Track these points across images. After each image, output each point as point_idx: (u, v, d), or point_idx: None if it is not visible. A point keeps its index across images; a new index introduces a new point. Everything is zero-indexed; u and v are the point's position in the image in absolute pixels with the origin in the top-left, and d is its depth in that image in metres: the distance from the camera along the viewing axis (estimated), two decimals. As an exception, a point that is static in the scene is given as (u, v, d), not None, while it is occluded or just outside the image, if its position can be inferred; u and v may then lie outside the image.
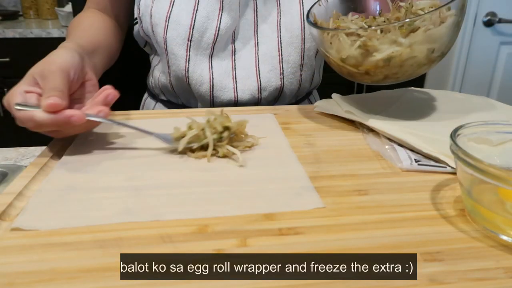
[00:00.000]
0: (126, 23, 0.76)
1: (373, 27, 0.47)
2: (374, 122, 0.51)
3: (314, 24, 0.51)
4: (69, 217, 0.34)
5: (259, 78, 0.66)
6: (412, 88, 0.65)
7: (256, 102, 0.68)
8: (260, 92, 0.67)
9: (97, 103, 0.46)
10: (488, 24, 1.83)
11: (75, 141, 0.49)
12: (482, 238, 0.31)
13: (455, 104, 0.57)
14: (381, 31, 0.45)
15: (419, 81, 1.91)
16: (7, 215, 0.34)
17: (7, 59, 1.65)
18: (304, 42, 0.66)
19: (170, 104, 0.73)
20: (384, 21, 0.52)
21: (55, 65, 0.45)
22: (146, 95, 0.80)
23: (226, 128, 0.45)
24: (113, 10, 0.72)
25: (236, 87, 0.66)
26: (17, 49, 1.65)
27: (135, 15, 0.69)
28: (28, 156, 0.52)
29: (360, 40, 0.46)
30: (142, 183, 0.39)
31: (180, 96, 0.71)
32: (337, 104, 0.58)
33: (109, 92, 0.47)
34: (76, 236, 0.31)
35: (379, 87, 0.70)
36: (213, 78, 0.65)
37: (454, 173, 0.41)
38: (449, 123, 0.46)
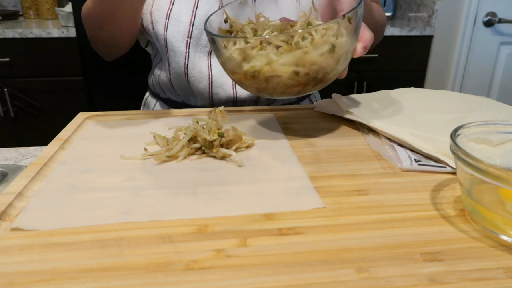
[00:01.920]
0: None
1: (248, 37, 0.44)
2: (374, 122, 0.51)
3: (207, 29, 0.47)
4: (69, 217, 0.34)
5: None
6: (412, 88, 0.65)
7: (255, 99, 0.68)
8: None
9: None
10: (488, 24, 1.84)
11: (75, 141, 0.49)
12: (482, 238, 0.31)
13: (455, 104, 0.57)
14: (261, 43, 0.42)
15: (419, 81, 1.92)
16: (7, 215, 0.34)
17: (7, 59, 1.65)
18: None
19: (170, 102, 0.74)
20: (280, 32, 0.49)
21: None
22: (147, 94, 0.80)
23: (220, 135, 0.44)
24: None
25: (235, 84, 0.66)
26: (17, 49, 1.65)
27: None
28: (28, 156, 0.52)
29: (240, 46, 0.43)
30: (142, 183, 0.39)
31: (180, 93, 0.71)
32: (337, 104, 0.58)
33: None
34: (76, 236, 0.31)
35: (379, 87, 0.70)
36: (212, 74, 0.66)
37: (454, 173, 0.41)
38: (449, 123, 0.46)
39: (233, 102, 0.68)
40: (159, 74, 0.72)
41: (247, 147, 0.47)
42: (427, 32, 1.81)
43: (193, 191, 0.38)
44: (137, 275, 0.27)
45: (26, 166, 0.43)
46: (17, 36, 1.63)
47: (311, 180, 0.40)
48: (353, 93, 0.65)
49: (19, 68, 1.68)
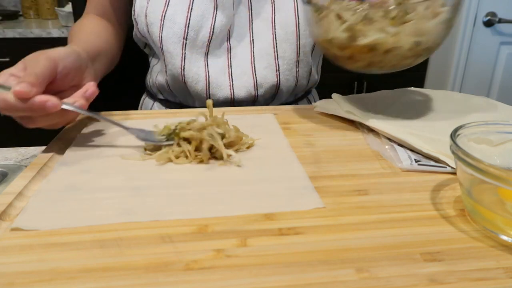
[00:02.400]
0: (126, 27, 0.76)
1: (359, 10, 0.46)
2: (374, 122, 0.51)
3: (307, 1, 0.50)
4: (69, 217, 0.34)
5: (255, 75, 0.67)
6: (412, 88, 0.65)
7: (252, 99, 0.68)
8: (257, 89, 0.67)
9: (75, 96, 0.46)
10: (488, 24, 1.83)
11: (75, 141, 0.49)
12: (482, 238, 0.31)
13: (455, 104, 0.57)
14: (368, 18, 0.44)
15: (419, 81, 1.91)
16: (7, 215, 0.34)
17: (7, 59, 1.65)
18: (299, 38, 0.67)
19: (167, 103, 0.73)
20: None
21: (45, 54, 0.46)
22: (144, 95, 0.80)
23: (222, 136, 0.44)
24: (112, 15, 0.73)
25: (232, 84, 0.66)
26: (17, 49, 1.65)
27: (132, 18, 0.69)
28: (28, 156, 0.52)
29: (348, 22, 0.45)
30: (142, 183, 0.39)
31: (177, 94, 0.71)
32: (337, 104, 0.58)
33: (90, 86, 0.47)
34: (76, 236, 0.31)
35: (379, 87, 0.70)
36: (209, 75, 0.66)
37: (454, 173, 0.41)
38: (449, 123, 0.46)
39: (231, 102, 0.68)
40: (156, 76, 0.72)
41: (248, 147, 0.47)
42: (427, 32, 1.81)
43: (193, 191, 0.38)
44: (137, 275, 0.27)
45: (26, 166, 0.43)
46: (17, 36, 1.63)
47: (311, 180, 0.40)
48: (353, 93, 0.64)
49: (19, 68, 1.67)
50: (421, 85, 1.92)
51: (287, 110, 0.61)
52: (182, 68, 0.66)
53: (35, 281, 0.27)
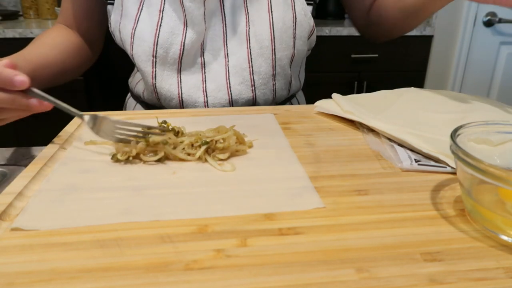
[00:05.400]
0: (98, 39, 0.76)
1: None
2: (374, 122, 0.51)
3: None
4: (69, 217, 0.34)
5: (230, 90, 0.65)
6: (412, 88, 0.65)
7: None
8: (232, 104, 0.66)
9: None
10: (488, 24, 1.84)
11: (75, 141, 0.49)
12: (482, 238, 0.31)
13: (455, 104, 0.57)
14: None
15: (419, 81, 1.92)
16: (7, 215, 0.34)
17: (7, 59, 1.65)
18: (274, 52, 0.65)
19: (148, 106, 0.73)
20: None
21: None
22: (129, 95, 0.79)
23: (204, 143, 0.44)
24: (81, 27, 0.72)
25: (207, 100, 0.65)
26: (17, 49, 1.64)
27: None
28: (28, 156, 0.52)
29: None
30: (142, 183, 0.39)
31: (154, 105, 0.71)
32: (337, 104, 0.58)
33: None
34: (76, 236, 0.31)
35: (379, 87, 0.70)
36: (182, 93, 0.65)
37: (454, 173, 0.41)
38: (449, 123, 0.46)
39: None
40: (136, 83, 0.72)
41: (248, 147, 0.47)
42: (427, 32, 1.81)
43: (193, 191, 0.38)
44: (137, 275, 0.27)
45: (26, 166, 0.43)
46: (17, 36, 1.63)
47: (311, 180, 0.40)
48: (353, 93, 0.64)
49: (19, 68, 1.67)
50: (421, 85, 1.92)
51: (287, 110, 0.61)
52: (154, 85, 0.64)
53: (35, 281, 0.27)
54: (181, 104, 0.65)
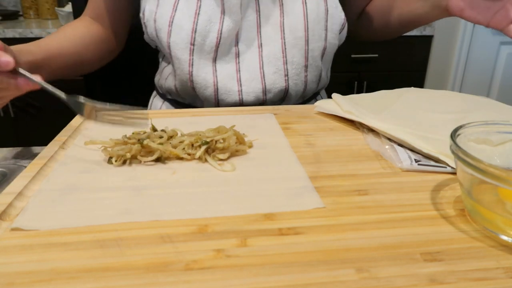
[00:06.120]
0: (123, 31, 0.77)
1: None
2: (374, 122, 0.51)
3: None
4: (69, 217, 0.34)
5: (264, 80, 0.66)
6: (412, 88, 0.65)
7: (261, 104, 0.68)
8: (265, 94, 0.67)
9: None
10: (488, 24, 1.83)
11: (75, 141, 0.49)
12: (482, 238, 0.31)
13: (455, 104, 0.57)
14: None
15: (419, 81, 1.92)
16: (7, 215, 0.34)
17: (7, 59, 1.64)
18: (308, 43, 0.66)
19: (176, 103, 0.74)
20: None
21: None
22: (154, 93, 0.80)
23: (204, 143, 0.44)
24: (106, 20, 0.73)
25: (241, 90, 0.66)
26: (17, 49, 1.65)
27: (141, 21, 0.70)
28: (28, 156, 0.52)
29: None
30: (142, 183, 0.39)
31: (186, 98, 0.71)
32: (337, 104, 0.58)
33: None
34: (76, 236, 0.31)
35: (379, 87, 0.70)
36: (217, 81, 0.66)
37: (454, 173, 0.41)
38: (449, 123, 0.46)
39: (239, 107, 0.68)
40: (165, 78, 0.72)
41: (248, 147, 0.47)
42: (427, 32, 1.81)
43: (193, 191, 0.38)
44: (137, 275, 0.27)
45: (26, 166, 0.43)
46: (17, 36, 1.63)
47: (311, 180, 0.40)
48: (353, 93, 0.64)
49: (19, 68, 1.67)
50: (421, 85, 1.92)
51: (287, 110, 0.61)
52: (190, 73, 0.65)
53: (35, 281, 0.27)
54: (216, 93, 0.66)
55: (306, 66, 0.68)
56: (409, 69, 1.89)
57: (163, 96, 0.76)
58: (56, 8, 1.81)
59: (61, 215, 0.34)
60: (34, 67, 0.56)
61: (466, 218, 0.34)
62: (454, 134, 0.34)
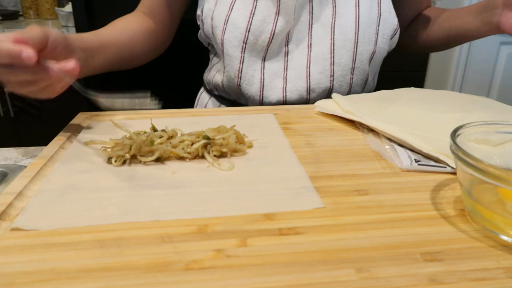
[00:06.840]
0: (171, 28, 0.78)
1: None
2: (374, 122, 0.51)
3: None
4: (69, 217, 0.34)
5: (309, 79, 0.67)
6: (412, 88, 0.65)
7: (304, 102, 0.68)
8: (309, 93, 0.67)
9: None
10: (488, 24, 1.83)
11: (75, 141, 0.49)
12: (482, 238, 0.31)
13: (455, 104, 0.57)
14: None
15: (419, 81, 1.91)
16: (7, 215, 0.34)
17: (7, 59, 1.64)
18: (357, 45, 0.66)
19: (222, 99, 0.75)
20: None
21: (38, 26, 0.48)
22: (202, 89, 0.82)
23: (205, 137, 0.45)
24: (157, 16, 0.75)
25: (286, 87, 0.67)
26: (17, 49, 1.65)
27: (197, 18, 0.72)
28: (28, 156, 0.52)
29: None
30: (142, 183, 0.39)
31: (231, 94, 0.73)
32: (337, 104, 0.58)
33: (70, 61, 0.47)
34: (76, 236, 0.31)
35: (379, 87, 0.70)
36: (264, 78, 0.67)
37: (454, 173, 0.41)
38: (449, 123, 0.46)
39: (282, 105, 0.68)
40: (214, 74, 0.74)
41: (247, 147, 0.47)
42: (427, 32, 1.81)
43: (193, 191, 0.38)
44: (137, 275, 0.27)
45: (26, 166, 0.43)
46: (17, 36, 1.62)
47: (311, 180, 0.40)
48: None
49: (19, 68, 1.67)
50: (421, 85, 1.91)
51: (287, 110, 0.61)
52: (240, 70, 0.67)
53: (35, 281, 0.27)
54: (262, 89, 0.67)
55: (353, 69, 0.68)
56: (409, 69, 1.89)
57: (210, 92, 0.78)
58: (56, 8, 1.81)
59: (61, 215, 0.34)
60: (90, 55, 0.59)
61: (466, 218, 0.34)
62: (454, 134, 0.34)
